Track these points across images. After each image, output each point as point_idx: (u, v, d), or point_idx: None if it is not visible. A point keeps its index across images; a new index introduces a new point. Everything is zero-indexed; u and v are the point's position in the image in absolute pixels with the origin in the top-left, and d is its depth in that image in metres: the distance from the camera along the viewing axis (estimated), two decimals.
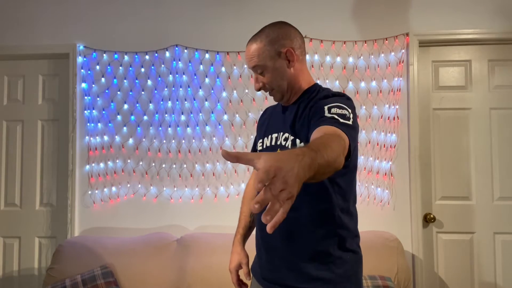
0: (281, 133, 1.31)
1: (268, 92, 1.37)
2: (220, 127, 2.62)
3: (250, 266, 1.46)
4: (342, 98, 1.23)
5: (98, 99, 2.67)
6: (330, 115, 1.10)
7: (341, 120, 1.09)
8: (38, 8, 2.75)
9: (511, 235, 2.52)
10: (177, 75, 2.64)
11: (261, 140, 1.42)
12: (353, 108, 1.20)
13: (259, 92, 2.58)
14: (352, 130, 1.09)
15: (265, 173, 0.68)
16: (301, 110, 1.28)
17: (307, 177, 0.76)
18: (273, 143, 1.34)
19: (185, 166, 2.62)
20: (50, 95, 2.81)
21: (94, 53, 2.68)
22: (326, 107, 1.14)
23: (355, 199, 1.34)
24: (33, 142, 2.80)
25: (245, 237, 1.52)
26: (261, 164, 0.72)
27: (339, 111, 1.12)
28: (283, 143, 1.29)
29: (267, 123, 1.45)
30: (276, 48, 1.28)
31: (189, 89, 2.63)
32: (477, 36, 2.54)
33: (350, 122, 1.10)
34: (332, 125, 1.05)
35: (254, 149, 1.48)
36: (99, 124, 2.66)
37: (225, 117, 2.62)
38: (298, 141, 1.24)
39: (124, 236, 2.53)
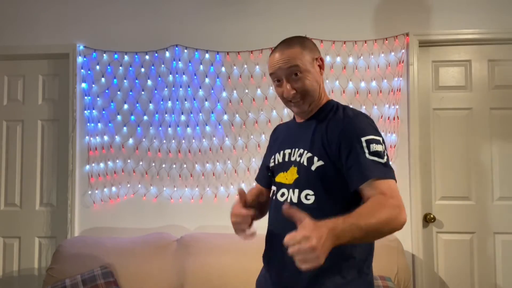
0: (296, 149, 1.28)
1: (291, 103, 1.30)
2: (220, 127, 2.62)
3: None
4: (368, 120, 1.24)
5: (98, 99, 2.67)
6: (370, 158, 1.13)
7: (381, 161, 1.14)
8: (38, 8, 2.75)
9: (511, 235, 2.52)
10: (177, 75, 2.64)
11: (273, 156, 1.38)
12: (378, 130, 1.22)
13: (259, 92, 2.59)
14: (389, 164, 1.18)
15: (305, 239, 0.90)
16: (322, 128, 1.24)
17: (336, 244, 0.94)
18: (286, 159, 1.31)
19: (185, 166, 2.62)
20: (50, 95, 2.81)
21: (94, 53, 2.68)
22: (364, 145, 1.15)
23: None
24: (33, 142, 2.80)
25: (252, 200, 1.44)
26: (302, 226, 0.94)
27: (375, 147, 1.15)
28: (298, 159, 1.26)
29: (281, 140, 1.42)
30: (312, 54, 1.29)
31: (189, 89, 2.63)
32: (477, 36, 2.54)
33: (386, 156, 1.17)
34: (378, 179, 1.12)
35: (266, 166, 1.42)
36: (99, 124, 2.66)
37: (225, 117, 2.61)
38: (316, 158, 1.21)
39: (124, 236, 2.53)
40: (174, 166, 2.62)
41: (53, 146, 2.79)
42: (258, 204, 1.43)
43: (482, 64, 2.59)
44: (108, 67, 2.67)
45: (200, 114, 2.62)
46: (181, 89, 2.64)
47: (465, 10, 2.55)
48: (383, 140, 1.21)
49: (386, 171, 1.15)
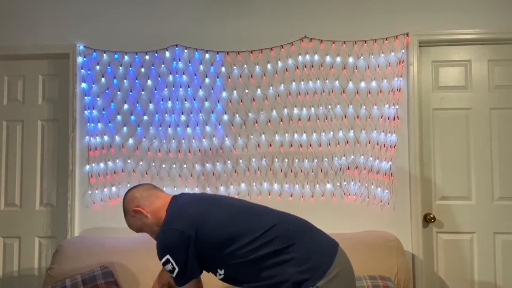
0: None
1: None
2: (220, 127, 2.62)
3: None
4: (160, 243, 1.47)
5: (98, 99, 2.67)
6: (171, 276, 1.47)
7: (173, 276, 1.45)
8: (38, 8, 2.75)
9: (511, 235, 2.53)
10: (177, 75, 2.64)
11: None
12: (167, 246, 1.44)
13: (259, 92, 2.60)
14: (180, 274, 1.44)
15: None
16: None
17: None
18: None
19: (185, 166, 2.62)
20: (50, 95, 2.81)
21: (94, 53, 2.68)
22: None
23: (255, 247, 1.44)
24: (33, 142, 2.80)
25: None
26: None
27: (168, 267, 1.43)
28: None
29: None
30: (131, 214, 1.62)
31: (189, 89, 2.63)
32: (477, 36, 2.54)
33: (176, 271, 1.43)
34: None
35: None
36: (99, 124, 2.66)
37: (225, 117, 2.61)
38: None
39: (124, 236, 2.53)
40: (174, 166, 2.62)
41: (53, 146, 2.79)
42: None
43: (482, 64, 2.59)
44: (108, 67, 2.67)
45: (200, 114, 2.62)
46: (181, 89, 2.64)
47: (465, 10, 2.55)
48: (171, 249, 1.44)
49: (176, 280, 1.47)
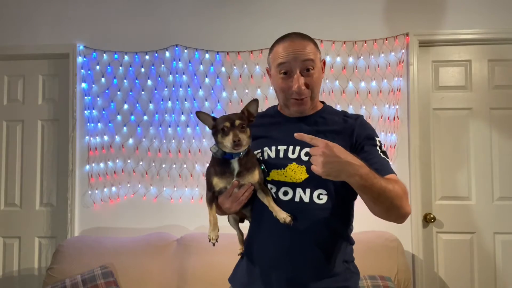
0: (297, 147, 1.22)
1: (295, 100, 1.25)
2: None
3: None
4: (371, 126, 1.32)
5: (98, 99, 2.67)
6: (383, 156, 1.24)
7: (388, 160, 1.25)
8: (38, 8, 2.75)
9: (511, 235, 2.52)
10: (177, 75, 2.64)
11: (259, 151, 1.28)
12: None
13: (259, 92, 2.59)
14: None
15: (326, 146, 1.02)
16: (333, 128, 1.26)
17: (354, 181, 1.04)
18: (280, 155, 1.24)
19: (185, 166, 2.62)
20: (50, 95, 2.81)
21: (94, 53, 2.68)
22: (378, 144, 1.26)
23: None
24: (33, 142, 2.80)
25: None
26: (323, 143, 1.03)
27: (383, 148, 1.26)
28: (304, 158, 1.20)
29: (265, 134, 1.31)
30: (319, 54, 1.29)
31: (189, 89, 2.63)
32: (477, 36, 2.54)
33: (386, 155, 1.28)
34: (389, 173, 1.21)
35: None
36: (99, 124, 2.66)
37: None
38: None
39: (124, 236, 2.53)
40: (174, 166, 2.62)
41: (53, 146, 2.79)
42: None
43: (482, 64, 2.59)
44: (108, 67, 2.67)
45: None
46: (181, 89, 2.63)
47: (465, 10, 2.55)
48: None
49: (391, 168, 1.25)
